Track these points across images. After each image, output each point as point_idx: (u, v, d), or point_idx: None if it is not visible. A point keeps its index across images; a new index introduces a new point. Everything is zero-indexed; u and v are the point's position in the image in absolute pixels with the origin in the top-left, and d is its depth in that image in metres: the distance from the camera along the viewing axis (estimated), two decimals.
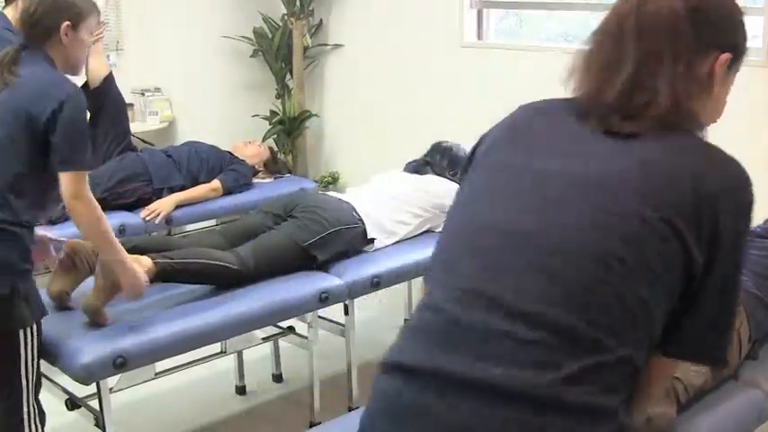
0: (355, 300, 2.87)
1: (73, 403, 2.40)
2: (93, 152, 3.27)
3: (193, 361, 2.82)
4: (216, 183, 3.90)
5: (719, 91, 1.29)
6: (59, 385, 2.45)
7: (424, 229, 3.20)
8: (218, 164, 3.99)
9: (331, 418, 2.31)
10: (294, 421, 3.00)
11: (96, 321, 2.31)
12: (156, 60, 5.02)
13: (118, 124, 3.88)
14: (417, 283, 3.54)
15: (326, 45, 5.19)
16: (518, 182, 1.28)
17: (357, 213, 2.98)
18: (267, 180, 4.23)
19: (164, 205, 3.68)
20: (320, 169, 5.32)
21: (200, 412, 3.15)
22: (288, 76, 5.23)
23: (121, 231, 3.54)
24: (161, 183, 3.78)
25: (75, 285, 2.46)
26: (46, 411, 2.56)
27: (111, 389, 2.34)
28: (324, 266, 2.85)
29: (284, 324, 2.91)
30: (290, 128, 5.14)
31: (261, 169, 4.22)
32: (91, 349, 2.20)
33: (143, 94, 4.95)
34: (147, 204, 3.70)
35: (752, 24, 3.50)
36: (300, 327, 2.91)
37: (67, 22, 2.16)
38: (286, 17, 5.06)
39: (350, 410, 2.86)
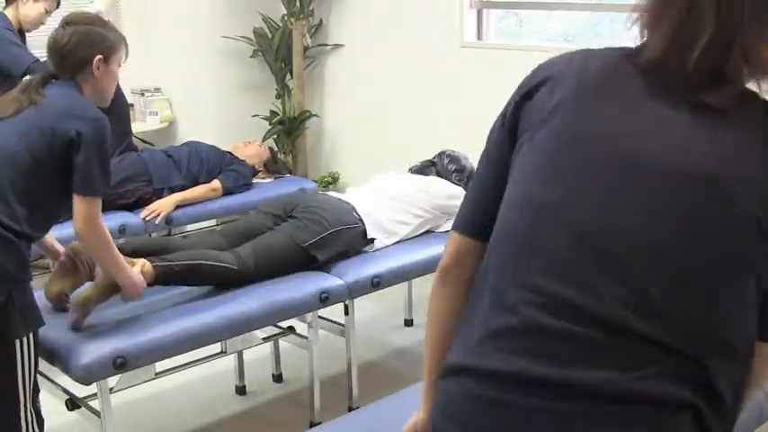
0: (355, 300, 2.87)
1: (73, 403, 2.40)
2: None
3: (193, 361, 2.82)
4: (216, 183, 3.90)
5: None
6: (59, 385, 2.45)
7: (424, 230, 3.20)
8: (218, 164, 3.99)
9: (331, 418, 2.31)
10: (294, 421, 3.00)
11: (78, 315, 2.30)
12: (156, 60, 5.02)
13: (119, 125, 3.88)
14: (417, 283, 3.54)
15: (326, 45, 5.19)
16: (601, 172, 1.09)
17: (357, 213, 2.98)
18: (267, 180, 4.23)
19: (164, 205, 3.69)
20: (320, 169, 5.32)
21: (200, 412, 3.15)
22: (288, 76, 5.23)
23: (121, 231, 3.54)
24: (161, 183, 3.78)
25: (74, 287, 2.45)
26: (46, 411, 2.56)
27: (111, 389, 2.34)
28: (324, 266, 2.85)
29: (284, 324, 2.91)
30: (290, 128, 5.14)
31: (261, 169, 4.23)
32: (91, 350, 2.20)
33: (143, 94, 4.95)
34: (147, 204, 3.70)
35: None
36: (300, 327, 2.91)
37: (100, 56, 2.20)
38: (286, 17, 5.06)
39: (350, 410, 2.86)
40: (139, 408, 3.12)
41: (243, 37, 5.06)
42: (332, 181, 5.12)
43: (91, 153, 2.08)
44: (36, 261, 2.49)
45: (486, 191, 1.24)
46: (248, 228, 2.91)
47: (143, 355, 2.29)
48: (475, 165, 3.58)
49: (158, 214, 3.65)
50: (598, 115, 1.10)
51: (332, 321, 2.97)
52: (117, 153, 3.83)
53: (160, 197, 3.74)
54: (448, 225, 3.26)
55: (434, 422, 1.22)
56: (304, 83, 5.15)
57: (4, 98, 2.20)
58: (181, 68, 5.04)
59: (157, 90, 5.03)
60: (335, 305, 2.79)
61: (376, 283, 2.87)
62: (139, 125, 4.81)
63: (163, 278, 2.49)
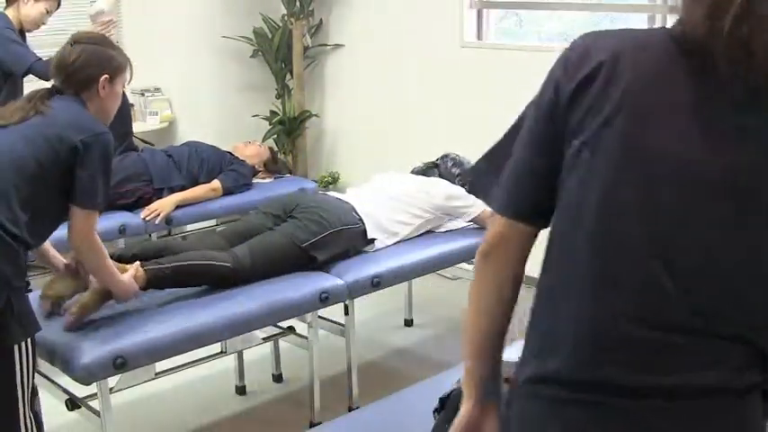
0: (355, 300, 2.87)
1: (73, 403, 2.40)
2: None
3: (193, 361, 2.82)
4: (216, 183, 3.90)
5: None
6: (59, 385, 2.45)
7: (425, 230, 3.20)
8: (218, 164, 3.99)
9: (331, 418, 2.32)
10: (294, 421, 3.00)
11: (75, 321, 2.31)
12: (156, 60, 5.01)
13: (120, 125, 3.86)
14: (417, 282, 3.54)
15: (326, 45, 5.19)
16: (671, 187, 1.06)
17: (357, 213, 2.98)
18: (267, 180, 4.23)
19: (164, 205, 3.69)
20: (320, 169, 5.32)
21: (200, 412, 3.15)
22: (288, 76, 5.23)
23: (121, 231, 3.54)
24: (161, 183, 3.78)
25: (73, 292, 2.44)
26: (46, 411, 2.56)
27: (111, 389, 2.34)
28: (324, 266, 2.85)
29: (284, 324, 2.91)
30: (290, 128, 5.14)
31: (261, 169, 4.22)
32: (91, 349, 2.20)
33: (143, 94, 4.95)
34: (147, 204, 3.70)
35: None
36: (300, 327, 2.91)
37: (106, 75, 2.23)
38: (286, 17, 5.06)
39: (350, 410, 2.86)
40: (139, 408, 3.12)
41: (243, 37, 5.06)
42: (332, 181, 5.12)
43: (95, 167, 2.10)
44: (33, 261, 2.48)
45: (532, 175, 1.20)
46: (248, 228, 2.91)
47: (143, 355, 2.29)
48: None
49: (158, 214, 3.65)
50: (658, 133, 1.07)
51: (332, 321, 2.97)
52: (117, 153, 3.82)
53: (160, 197, 3.74)
54: (449, 225, 3.26)
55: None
56: (304, 83, 5.15)
57: (8, 106, 2.22)
58: (181, 68, 5.04)
59: (157, 90, 5.02)
60: (335, 305, 2.79)
61: (376, 283, 2.87)
62: (139, 125, 4.80)
63: (155, 282, 2.50)
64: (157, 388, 3.13)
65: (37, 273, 3.56)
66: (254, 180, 4.15)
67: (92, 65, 2.22)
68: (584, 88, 1.12)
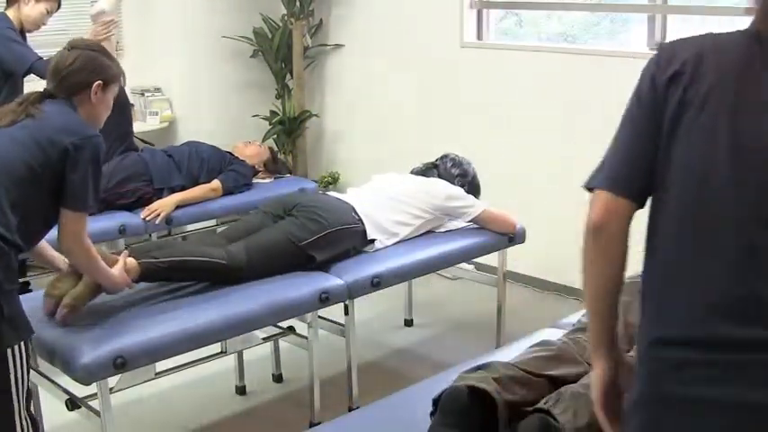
0: (355, 300, 2.87)
1: (73, 403, 2.40)
2: None
3: (193, 361, 2.82)
4: (216, 183, 3.90)
5: None
6: (59, 385, 2.44)
7: (425, 230, 3.20)
8: (218, 164, 3.99)
9: (331, 418, 2.32)
10: (294, 421, 3.00)
11: (68, 313, 2.32)
12: (156, 60, 5.02)
13: (121, 125, 3.88)
14: (417, 283, 3.54)
15: (326, 45, 5.19)
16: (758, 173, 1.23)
17: (357, 214, 2.98)
18: (267, 180, 4.23)
19: (164, 205, 3.68)
20: (320, 169, 5.32)
21: (200, 412, 3.15)
22: (288, 76, 5.23)
23: (121, 231, 3.54)
24: (161, 183, 3.78)
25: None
26: (46, 411, 2.57)
27: (111, 389, 2.34)
28: (324, 266, 2.85)
29: (284, 324, 2.91)
30: (290, 128, 5.14)
31: (261, 169, 4.22)
32: (91, 349, 2.20)
33: (143, 94, 4.95)
34: (147, 204, 3.70)
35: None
36: (300, 327, 2.91)
37: (100, 82, 2.24)
38: (286, 17, 5.06)
39: (350, 410, 2.86)
40: (139, 408, 3.12)
41: (243, 37, 5.06)
42: (332, 181, 5.12)
43: (86, 170, 2.11)
44: (33, 261, 2.48)
45: (635, 154, 1.35)
46: (248, 228, 2.91)
47: (143, 355, 2.29)
48: (476, 170, 3.59)
49: (158, 214, 3.65)
50: (746, 127, 1.23)
51: (332, 321, 2.97)
52: (117, 153, 3.83)
53: (160, 197, 3.74)
54: (449, 225, 3.26)
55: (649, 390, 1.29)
56: (304, 83, 5.15)
57: (0, 109, 2.23)
58: (181, 68, 5.04)
59: (157, 90, 5.02)
60: (335, 305, 2.79)
61: (376, 283, 2.87)
62: (139, 125, 4.80)
63: (148, 274, 2.51)
64: (157, 388, 3.13)
65: (37, 273, 3.57)
66: (255, 180, 4.15)
67: (87, 70, 2.23)
68: (675, 81, 1.30)
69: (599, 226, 1.36)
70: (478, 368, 2.00)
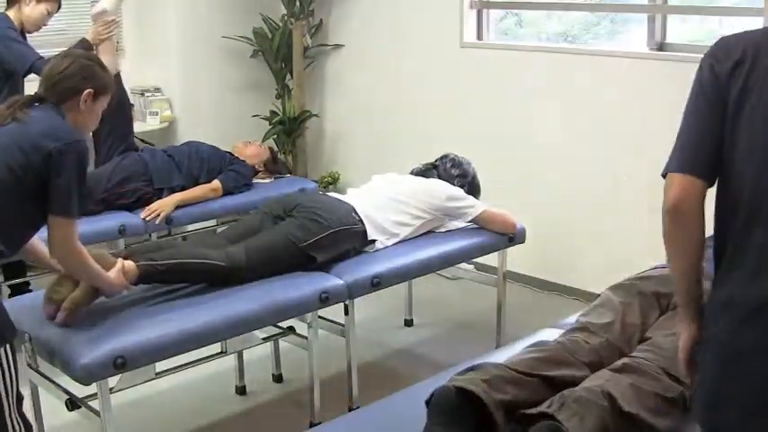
0: (355, 300, 2.87)
1: (73, 403, 2.40)
2: (95, 152, 3.29)
3: (193, 361, 2.82)
4: (216, 183, 3.90)
5: None
6: (59, 385, 2.44)
7: (425, 231, 3.20)
8: (218, 164, 3.99)
9: (331, 418, 2.31)
10: (294, 421, 3.00)
11: (68, 316, 2.32)
12: (156, 60, 5.02)
13: (121, 125, 3.88)
14: (417, 282, 3.54)
15: (326, 45, 5.19)
16: None
17: (357, 214, 2.98)
18: (267, 180, 4.23)
19: (164, 205, 3.68)
20: (320, 169, 5.32)
21: (200, 412, 3.15)
22: (288, 76, 5.23)
23: (121, 231, 3.54)
24: (161, 183, 3.78)
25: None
26: (46, 411, 2.57)
27: (111, 389, 2.34)
28: (324, 266, 2.85)
29: (284, 324, 2.91)
30: (290, 128, 5.14)
31: (261, 169, 4.22)
32: (91, 350, 2.20)
33: (143, 94, 4.95)
34: (147, 204, 3.70)
35: (752, 24, 3.50)
36: (300, 327, 2.91)
37: (90, 90, 2.24)
38: (286, 17, 5.06)
39: (350, 410, 2.86)
40: (139, 408, 3.12)
41: (243, 37, 5.06)
42: (332, 181, 5.12)
43: (71, 175, 2.10)
44: (33, 262, 2.48)
45: (705, 137, 1.51)
46: (248, 228, 2.90)
47: (143, 355, 2.29)
48: (476, 170, 3.60)
49: (158, 214, 3.64)
50: None
51: (332, 321, 2.97)
52: (117, 153, 3.83)
53: (160, 197, 3.74)
54: (449, 225, 3.26)
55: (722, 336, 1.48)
56: (304, 83, 5.15)
57: None
58: (181, 68, 5.04)
59: (157, 90, 5.02)
60: (335, 305, 2.79)
61: (376, 283, 2.87)
62: (139, 125, 4.79)
63: (146, 276, 2.51)
64: (157, 388, 3.13)
65: (37, 273, 3.57)
66: (255, 180, 4.15)
67: (79, 77, 2.23)
68: (737, 69, 1.46)
69: (677, 206, 1.50)
70: (470, 369, 2.00)
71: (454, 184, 3.31)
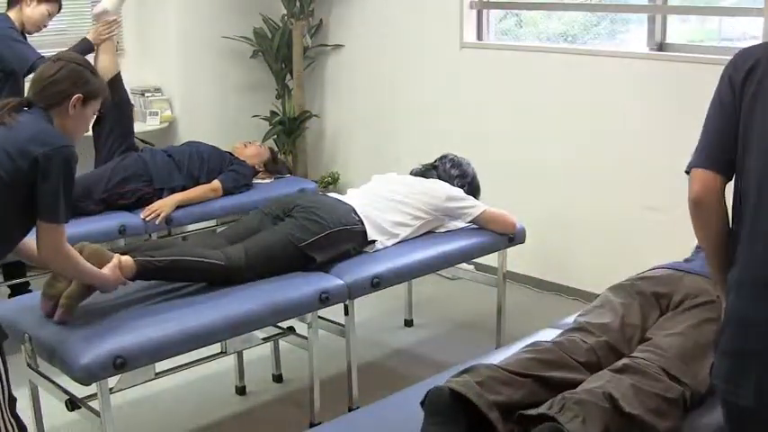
0: (355, 300, 2.87)
1: (73, 404, 2.40)
2: (95, 152, 3.26)
3: (193, 361, 2.82)
4: (216, 183, 3.90)
5: None
6: (59, 385, 2.44)
7: (425, 231, 3.19)
8: (218, 164, 3.99)
9: (331, 418, 2.32)
10: (294, 421, 3.00)
11: (65, 312, 2.33)
12: (156, 60, 5.02)
13: (121, 125, 3.89)
14: (417, 283, 3.54)
15: (326, 45, 5.19)
16: None
17: (357, 214, 2.98)
18: (267, 180, 4.23)
19: (164, 205, 3.68)
20: (320, 169, 5.32)
21: (200, 412, 3.15)
22: (288, 76, 5.23)
23: (121, 231, 3.54)
24: (161, 183, 3.78)
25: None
26: (46, 412, 2.56)
27: (111, 389, 2.34)
28: (324, 266, 2.85)
29: (284, 324, 2.91)
30: (290, 128, 5.14)
31: (261, 170, 4.22)
32: (91, 350, 2.20)
33: (143, 94, 4.95)
34: (147, 204, 3.70)
35: (752, 24, 3.50)
36: (300, 327, 2.91)
37: (80, 96, 2.22)
38: (286, 17, 5.06)
39: (350, 410, 2.86)
40: (139, 408, 3.12)
41: (243, 37, 5.06)
42: (332, 181, 5.12)
43: (58, 181, 2.09)
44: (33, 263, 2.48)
45: (722, 137, 1.68)
46: (247, 228, 2.91)
47: (143, 355, 2.29)
48: (476, 170, 3.60)
49: (158, 214, 3.64)
50: None
51: (332, 321, 2.97)
52: (118, 153, 3.83)
53: (160, 197, 3.74)
54: (449, 225, 3.26)
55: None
56: (304, 83, 5.15)
57: None
58: (181, 68, 5.04)
59: (157, 90, 5.02)
60: (335, 305, 2.79)
61: (376, 284, 2.87)
62: (139, 125, 4.79)
63: (144, 272, 2.51)
64: (157, 388, 3.14)
65: (37, 273, 3.57)
66: (255, 180, 4.15)
67: (68, 81, 2.21)
68: (750, 76, 1.63)
69: (698, 199, 1.69)
70: (464, 372, 2.00)
71: (454, 185, 3.31)
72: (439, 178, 3.35)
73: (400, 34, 4.75)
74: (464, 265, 3.57)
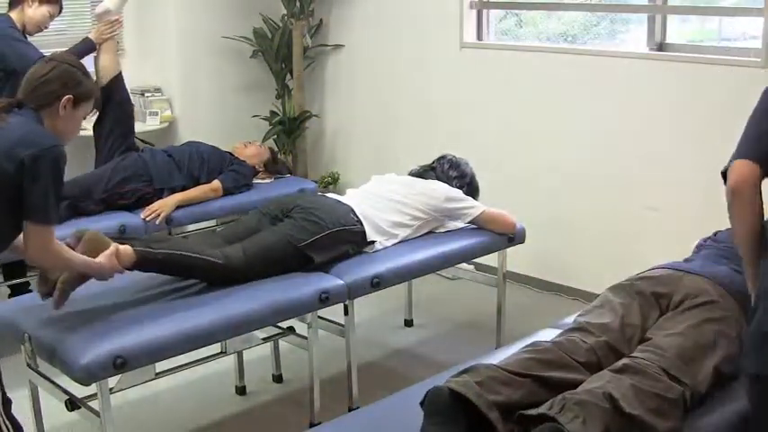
0: (355, 300, 2.87)
1: (73, 404, 2.40)
2: (96, 152, 3.24)
3: (193, 361, 2.82)
4: (216, 183, 3.90)
5: None
6: (59, 385, 2.45)
7: (424, 231, 3.19)
8: (218, 164, 3.99)
9: (331, 418, 2.31)
10: (294, 421, 3.00)
11: (62, 294, 2.33)
12: (156, 60, 5.02)
13: (122, 125, 3.89)
14: (417, 283, 3.55)
15: (326, 45, 5.19)
16: None
17: (356, 215, 2.98)
18: (267, 180, 4.23)
19: (164, 205, 3.69)
20: (320, 169, 5.32)
21: (200, 412, 3.15)
22: (288, 76, 5.23)
23: (121, 231, 3.54)
24: (162, 183, 3.78)
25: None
26: (46, 412, 2.56)
27: (111, 389, 2.34)
28: (324, 266, 2.85)
29: (284, 324, 2.91)
30: (290, 128, 5.14)
31: (261, 170, 4.23)
32: (91, 350, 2.20)
33: (143, 94, 4.95)
34: (147, 204, 3.70)
35: (752, 24, 3.50)
36: (300, 327, 2.91)
37: (70, 97, 2.20)
38: (286, 17, 5.06)
39: (350, 410, 2.86)
40: (139, 408, 3.12)
41: (243, 37, 5.06)
42: (332, 181, 5.12)
43: (46, 182, 2.07)
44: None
45: (761, 135, 1.82)
46: (246, 229, 2.90)
47: (143, 355, 2.29)
48: (475, 170, 3.61)
49: (158, 214, 3.65)
50: None
51: (332, 321, 2.97)
52: (118, 153, 3.83)
53: (160, 197, 3.74)
54: (449, 225, 3.26)
55: None
56: (304, 83, 5.15)
57: None
58: (181, 68, 5.04)
59: (157, 90, 5.02)
60: (335, 305, 2.79)
61: (376, 284, 2.87)
62: (139, 125, 4.79)
63: (142, 262, 2.50)
64: (157, 388, 3.14)
65: (37, 273, 3.57)
66: (255, 180, 4.15)
67: (61, 82, 2.20)
68: None
69: (736, 189, 1.80)
70: (464, 372, 2.00)
71: (452, 186, 3.30)
72: (437, 179, 3.35)
73: (400, 34, 4.75)
74: (464, 265, 3.57)
